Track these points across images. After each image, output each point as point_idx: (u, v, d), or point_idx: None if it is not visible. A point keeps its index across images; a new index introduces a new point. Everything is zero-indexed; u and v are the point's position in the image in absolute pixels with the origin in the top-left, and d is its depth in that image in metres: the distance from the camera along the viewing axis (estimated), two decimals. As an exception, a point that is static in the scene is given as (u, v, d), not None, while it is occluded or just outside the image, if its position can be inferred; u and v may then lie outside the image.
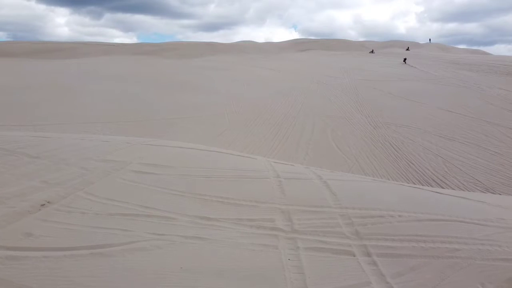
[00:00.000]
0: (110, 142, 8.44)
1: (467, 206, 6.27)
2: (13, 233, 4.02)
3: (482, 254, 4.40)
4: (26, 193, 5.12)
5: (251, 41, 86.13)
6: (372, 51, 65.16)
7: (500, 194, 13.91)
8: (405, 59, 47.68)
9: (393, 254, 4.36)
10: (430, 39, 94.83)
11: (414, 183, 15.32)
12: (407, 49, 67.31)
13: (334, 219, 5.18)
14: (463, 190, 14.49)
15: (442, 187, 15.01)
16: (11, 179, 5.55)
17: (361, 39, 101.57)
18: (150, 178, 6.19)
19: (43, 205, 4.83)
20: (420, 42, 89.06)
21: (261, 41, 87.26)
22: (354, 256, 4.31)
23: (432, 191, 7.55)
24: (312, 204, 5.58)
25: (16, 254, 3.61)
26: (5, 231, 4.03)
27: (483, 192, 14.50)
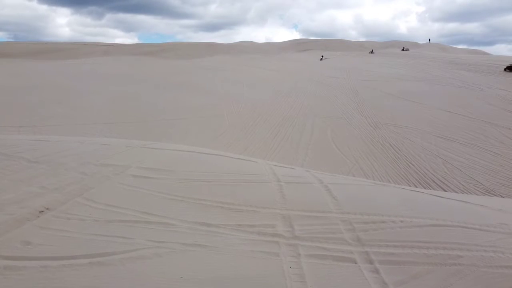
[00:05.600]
0: (110, 146, 8.39)
1: (468, 210, 6.24)
2: (11, 241, 3.97)
3: (485, 261, 4.36)
4: (25, 199, 5.07)
5: (251, 41, 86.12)
6: (372, 51, 65.31)
7: (501, 196, 13.88)
8: (322, 57, 54.86)
9: (396, 261, 4.31)
10: (429, 39, 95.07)
11: (414, 184, 15.29)
12: (406, 50, 67.64)
13: (336, 224, 5.13)
14: (463, 191, 14.46)
15: (442, 188, 14.98)
16: (9, 185, 5.50)
17: (361, 39, 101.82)
18: (150, 182, 6.14)
19: (41, 211, 4.78)
20: (420, 42, 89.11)
21: (262, 41, 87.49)
22: (356, 263, 4.27)
23: (433, 195, 7.51)
24: (313, 209, 5.53)
25: (14, 264, 3.56)
26: (3, 240, 3.98)
27: (483, 193, 14.47)
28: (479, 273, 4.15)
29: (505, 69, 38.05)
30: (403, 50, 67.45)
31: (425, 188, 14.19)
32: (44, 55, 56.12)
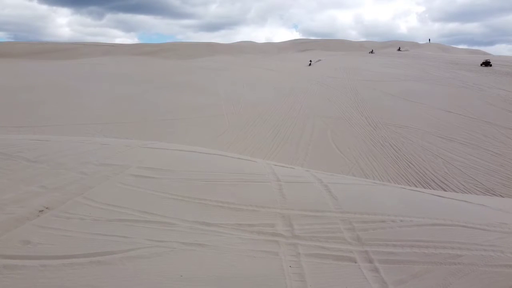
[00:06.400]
0: (110, 145, 8.39)
1: (468, 210, 6.24)
2: (10, 241, 3.97)
3: (485, 260, 4.36)
4: (24, 198, 5.07)
5: (251, 42, 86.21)
6: (372, 51, 65.47)
7: (501, 196, 13.88)
8: (310, 62, 48.63)
9: (395, 260, 4.31)
10: (429, 39, 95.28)
11: (415, 184, 15.29)
12: (405, 50, 67.83)
13: (335, 224, 5.13)
14: (463, 191, 14.46)
15: (442, 188, 14.97)
16: (9, 184, 5.50)
17: (362, 39, 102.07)
18: (150, 182, 6.14)
19: (41, 211, 4.78)
20: (420, 42, 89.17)
21: (262, 41, 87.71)
22: (356, 262, 4.27)
23: (433, 195, 7.51)
24: (313, 209, 5.54)
25: (14, 263, 3.56)
26: (2, 239, 3.98)
27: (483, 193, 14.47)
28: (478, 272, 4.15)
29: (481, 65, 41.52)
30: (399, 50, 67.72)
31: (425, 188, 14.19)
32: (44, 55, 56.14)
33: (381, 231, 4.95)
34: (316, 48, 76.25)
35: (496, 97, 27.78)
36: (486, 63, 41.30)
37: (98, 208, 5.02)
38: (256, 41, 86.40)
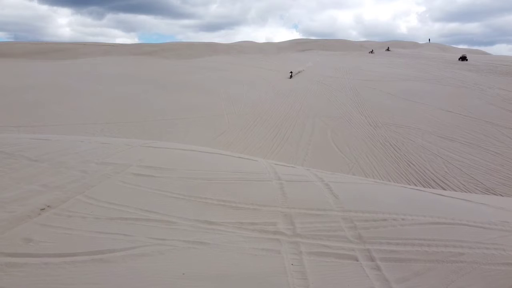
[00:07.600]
0: (110, 145, 8.38)
1: (470, 208, 6.23)
2: (12, 238, 3.97)
3: (487, 258, 4.36)
4: (26, 197, 5.07)
5: (251, 41, 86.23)
6: (372, 51, 65.60)
7: (501, 195, 13.88)
8: (291, 74, 39.68)
9: (397, 259, 4.31)
10: (429, 39, 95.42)
11: (415, 184, 15.28)
12: (389, 49, 68.23)
13: (337, 222, 5.13)
14: (463, 191, 14.46)
15: (443, 188, 14.97)
16: (10, 183, 5.50)
17: (362, 39, 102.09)
18: (151, 181, 6.14)
19: (43, 209, 4.77)
20: (420, 42, 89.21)
21: (262, 41, 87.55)
22: (358, 260, 4.27)
23: (434, 193, 7.51)
24: (314, 207, 5.53)
25: (16, 261, 3.56)
26: (4, 237, 3.98)
27: (483, 192, 14.47)
28: (480, 270, 4.14)
29: (459, 59, 45.48)
30: (387, 50, 68.18)
31: (425, 187, 14.19)
32: (44, 55, 56.10)
33: (382, 230, 4.95)
34: (316, 48, 76.28)
35: (496, 97, 27.80)
36: (463, 58, 45.23)
37: (99, 207, 5.02)
38: (257, 41, 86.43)
